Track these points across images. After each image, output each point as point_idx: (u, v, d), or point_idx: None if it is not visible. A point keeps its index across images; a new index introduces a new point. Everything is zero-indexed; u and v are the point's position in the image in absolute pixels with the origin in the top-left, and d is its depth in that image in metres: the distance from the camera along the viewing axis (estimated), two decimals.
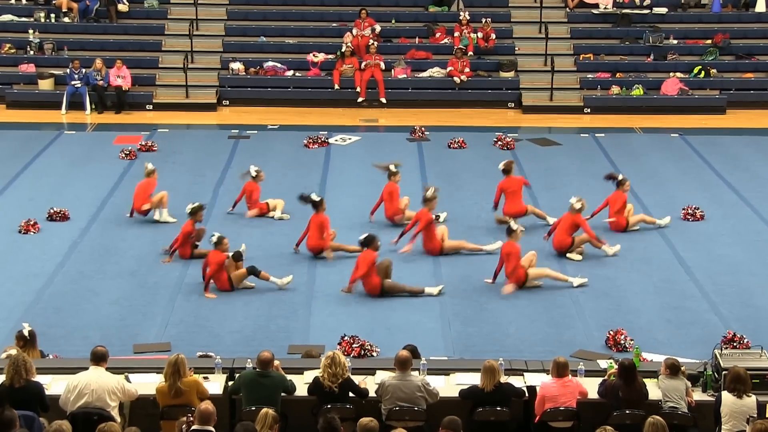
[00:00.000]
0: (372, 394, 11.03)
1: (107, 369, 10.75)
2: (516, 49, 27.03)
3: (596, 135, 23.43)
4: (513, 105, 25.91)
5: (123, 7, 27.16)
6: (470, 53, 26.48)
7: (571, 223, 16.31)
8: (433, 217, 16.59)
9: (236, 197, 18.12)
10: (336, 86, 25.85)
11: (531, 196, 19.00)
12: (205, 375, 11.32)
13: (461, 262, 16.21)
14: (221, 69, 26.31)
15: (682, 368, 11.03)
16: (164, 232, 17.20)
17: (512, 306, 14.78)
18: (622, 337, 13.54)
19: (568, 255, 16.33)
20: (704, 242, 17.19)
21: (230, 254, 15.13)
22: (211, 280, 15.05)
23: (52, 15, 27.21)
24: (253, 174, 17.97)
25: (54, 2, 27.17)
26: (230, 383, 11.23)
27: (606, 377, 11.22)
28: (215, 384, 11.24)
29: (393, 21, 27.66)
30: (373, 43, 26.05)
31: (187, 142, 22.73)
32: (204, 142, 22.74)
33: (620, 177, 17.57)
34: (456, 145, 22.31)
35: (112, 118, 24.74)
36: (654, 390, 10.98)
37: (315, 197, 16.33)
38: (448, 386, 11.34)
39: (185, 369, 10.67)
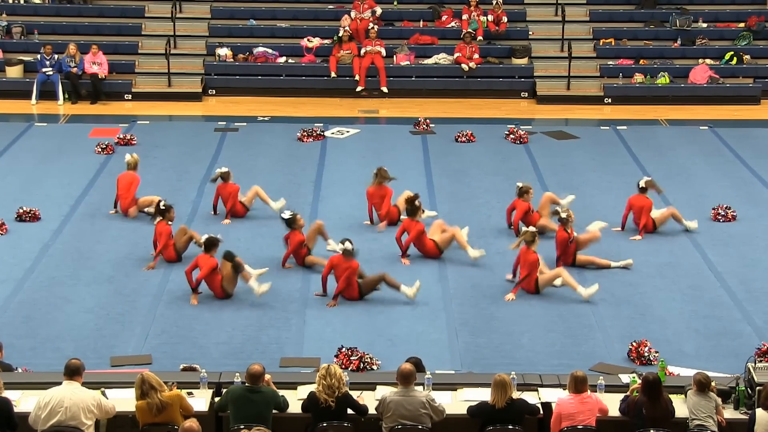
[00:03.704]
0: (372, 410, 11.05)
1: (82, 384, 10.76)
2: (530, 33, 27.06)
3: (618, 127, 23.46)
4: (526, 95, 25.94)
5: None
6: (480, 38, 26.51)
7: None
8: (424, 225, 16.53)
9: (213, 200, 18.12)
10: (333, 74, 25.87)
11: None
12: (189, 390, 11.33)
13: (470, 267, 16.23)
14: (207, 55, 26.34)
15: (712, 383, 11.04)
16: (144, 234, 17.22)
17: (525, 315, 14.81)
18: (646, 349, 13.55)
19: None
20: (736, 245, 17.20)
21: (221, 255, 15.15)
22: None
23: None
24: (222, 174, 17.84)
25: None
26: (217, 399, 11.25)
27: (628, 393, 11.24)
28: (200, 400, 11.26)
29: (395, 3, 27.70)
30: (373, 27, 26.08)
31: (169, 135, 22.74)
32: (188, 135, 22.75)
33: (520, 185, 17.22)
34: (464, 139, 22.32)
35: (87, 109, 24.77)
36: (681, 407, 11.00)
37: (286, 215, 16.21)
38: (455, 402, 11.36)
39: (159, 381, 10.66)
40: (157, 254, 16.10)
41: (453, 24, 26.94)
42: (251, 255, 16.46)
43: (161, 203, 16.41)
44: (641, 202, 17.45)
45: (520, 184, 17.30)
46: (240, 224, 17.67)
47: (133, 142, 21.83)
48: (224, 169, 17.88)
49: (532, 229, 15.55)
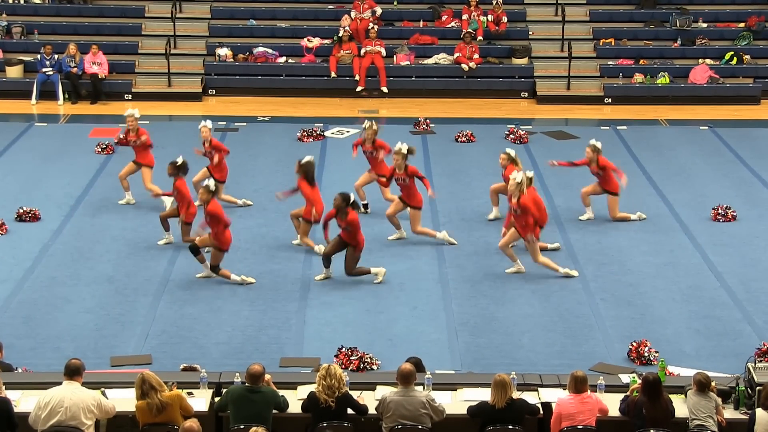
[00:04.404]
0: (372, 411, 11.05)
1: (82, 384, 10.76)
2: (530, 33, 27.06)
3: (618, 127, 23.46)
4: (526, 95, 25.94)
5: None
6: (480, 38, 26.52)
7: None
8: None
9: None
10: (333, 74, 25.88)
11: (546, 195, 19.03)
12: (189, 390, 11.33)
13: (470, 267, 16.24)
14: (207, 55, 26.34)
15: (712, 383, 11.04)
16: (144, 235, 17.25)
17: (525, 315, 14.81)
18: (646, 349, 13.55)
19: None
20: (736, 245, 17.21)
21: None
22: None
23: None
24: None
25: None
26: (217, 399, 11.24)
27: (628, 393, 11.23)
28: (200, 400, 11.26)
29: (395, 3, 27.70)
30: (373, 27, 26.08)
31: (169, 135, 22.71)
32: (188, 135, 22.66)
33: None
34: (464, 139, 22.33)
35: (87, 109, 24.78)
36: (681, 407, 10.99)
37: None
38: (455, 402, 11.36)
39: (159, 381, 10.66)
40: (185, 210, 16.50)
41: (453, 24, 26.94)
42: (251, 254, 16.47)
43: (178, 160, 16.70)
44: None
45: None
46: (243, 219, 17.71)
47: None
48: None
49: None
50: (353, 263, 15.61)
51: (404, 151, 16.78)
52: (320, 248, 16.34)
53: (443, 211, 18.42)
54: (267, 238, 17.24)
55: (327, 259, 15.69)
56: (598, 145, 17.73)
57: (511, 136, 22.33)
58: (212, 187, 15.56)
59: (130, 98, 25.26)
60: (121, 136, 18.77)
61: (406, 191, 16.88)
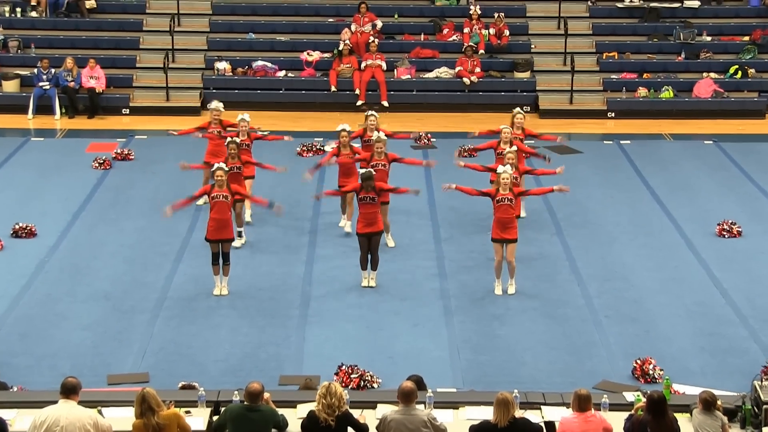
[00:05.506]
0: (372, 429, 11.01)
1: (79, 403, 10.70)
2: (532, 46, 27.09)
3: (621, 142, 23.46)
4: (528, 109, 25.92)
5: (91, 3, 27.28)
6: (481, 51, 26.54)
7: None
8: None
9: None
10: (333, 88, 25.91)
11: (549, 211, 19.02)
12: (186, 409, 11.29)
13: (471, 282, 16.21)
14: (205, 69, 26.37)
15: (718, 402, 10.99)
16: (142, 251, 17.24)
17: (528, 332, 14.78)
18: (651, 366, 13.52)
19: None
20: (742, 261, 17.18)
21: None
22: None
23: (18, 9, 27.35)
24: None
25: None
26: (215, 418, 11.20)
27: (633, 411, 11.18)
28: (198, 419, 11.22)
29: (396, 16, 27.73)
30: (373, 41, 26.10)
31: (167, 150, 22.73)
32: (186, 149, 22.66)
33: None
34: (465, 154, 22.30)
35: (84, 124, 24.79)
36: (686, 426, 10.95)
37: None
38: (457, 421, 11.33)
39: (158, 401, 10.60)
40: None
41: (454, 37, 26.97)
42: (252, 262, 16.46)
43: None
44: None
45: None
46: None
47: (131, 157, 21.85)
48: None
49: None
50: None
51: (384, 137, 17.62)
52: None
53: (444, 226, 18.41)
54: (266, 254, 17.21)
55: (365, 262, 16.05)
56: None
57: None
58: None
59: (127, 112, 25.28)
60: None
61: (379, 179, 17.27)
